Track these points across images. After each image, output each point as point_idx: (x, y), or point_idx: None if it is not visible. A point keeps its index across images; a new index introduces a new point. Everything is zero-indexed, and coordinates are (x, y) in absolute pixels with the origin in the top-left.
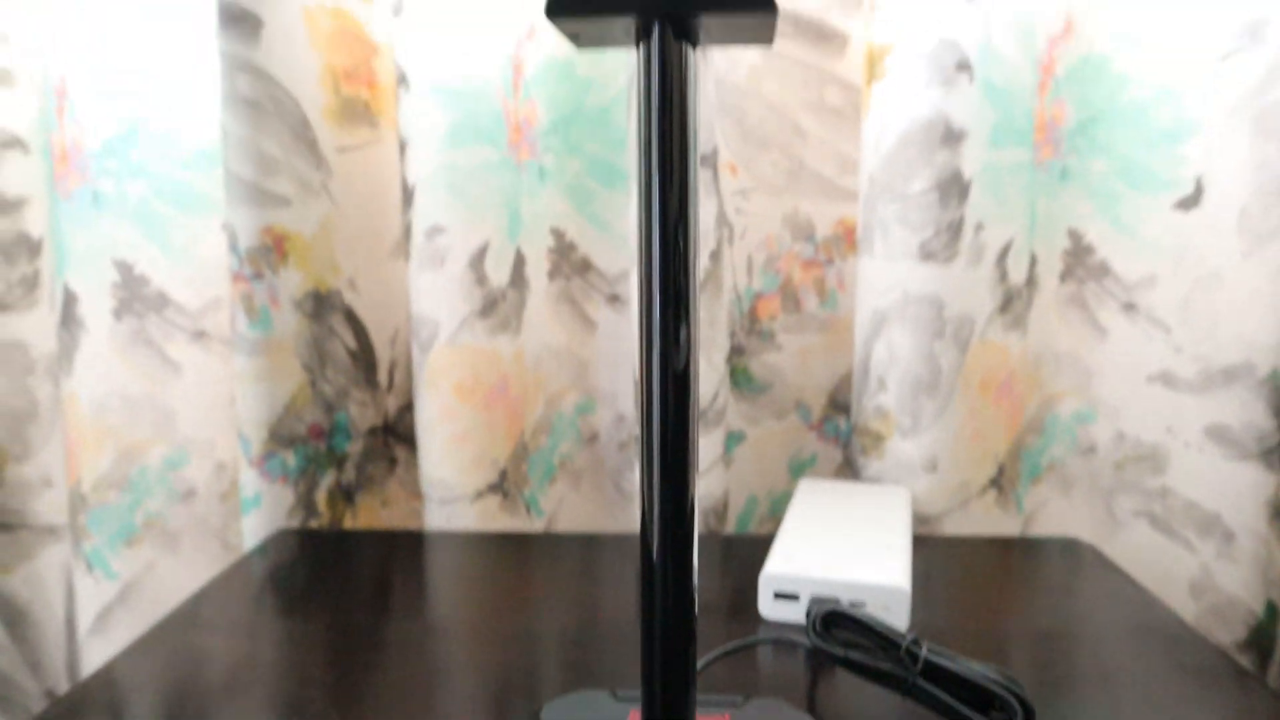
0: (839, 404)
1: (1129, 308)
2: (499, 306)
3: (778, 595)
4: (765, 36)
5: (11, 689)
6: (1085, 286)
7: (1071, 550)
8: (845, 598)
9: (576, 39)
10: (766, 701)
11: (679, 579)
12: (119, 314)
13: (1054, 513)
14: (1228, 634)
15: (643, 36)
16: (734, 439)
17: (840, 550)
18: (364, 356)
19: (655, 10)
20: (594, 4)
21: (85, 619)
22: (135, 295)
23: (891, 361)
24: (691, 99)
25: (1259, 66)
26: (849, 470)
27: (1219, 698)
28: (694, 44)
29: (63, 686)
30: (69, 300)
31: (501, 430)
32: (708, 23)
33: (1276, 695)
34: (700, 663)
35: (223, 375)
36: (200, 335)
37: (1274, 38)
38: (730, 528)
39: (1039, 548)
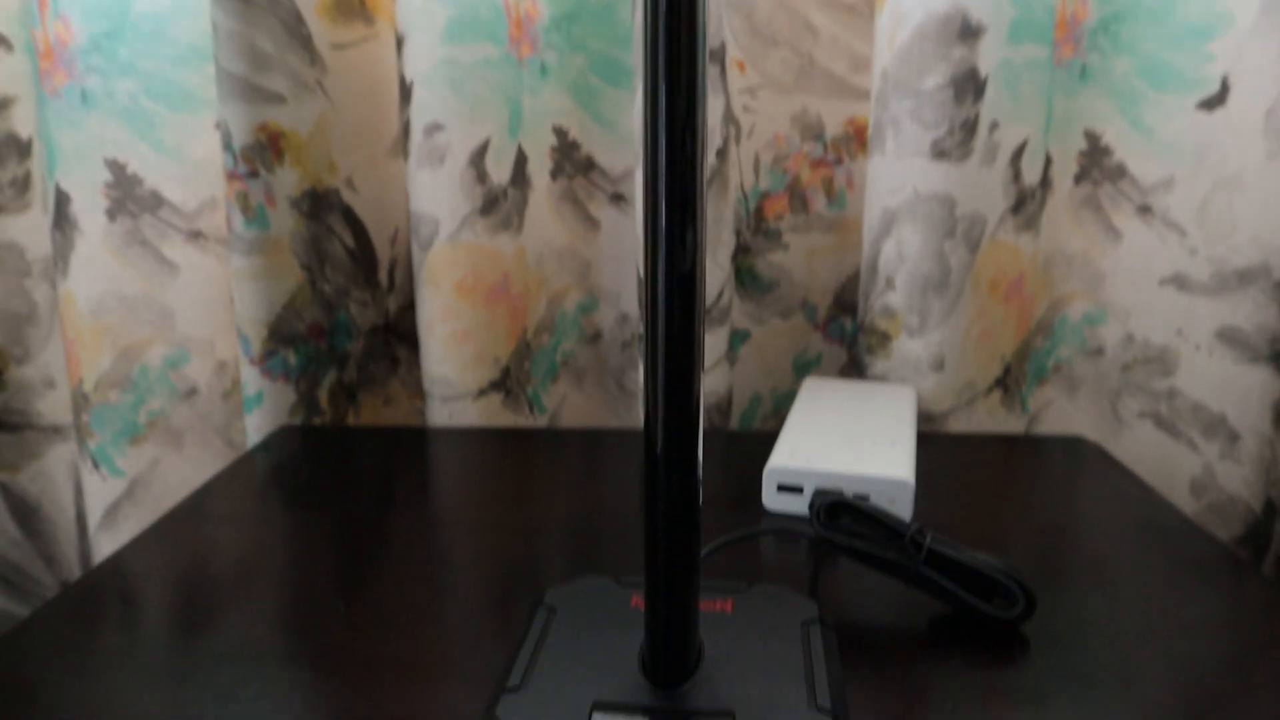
0: (845, 305)
1: (1144, 210)
2: (500, 205)
3: (781, 488)
4: None
5: (28, 581)
6: (1101, 188)
7: (1075, 448)
8: (849, 490)
9: None
10: (770, 587)
11: (683, 467)
12: (112, 214)
13: (1058, 414)
14: (1225, 530)
15: None
16: (739, 337)
17: (845, 445)
18: (363, 256)
19: None
20: None
21: (95, 514)
22: (128, 195)
23: (900, 260)
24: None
25: None
26: (854, 370)
27: (1216, 588)
28: None
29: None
30: (61, 200)
31: (503, 328)
32: None
33: (1271, 584)
34: (704, 551)
35: (220, 275)
36: (196, 235)
37: None
38: (734, 425)
39: (1043, 445)
